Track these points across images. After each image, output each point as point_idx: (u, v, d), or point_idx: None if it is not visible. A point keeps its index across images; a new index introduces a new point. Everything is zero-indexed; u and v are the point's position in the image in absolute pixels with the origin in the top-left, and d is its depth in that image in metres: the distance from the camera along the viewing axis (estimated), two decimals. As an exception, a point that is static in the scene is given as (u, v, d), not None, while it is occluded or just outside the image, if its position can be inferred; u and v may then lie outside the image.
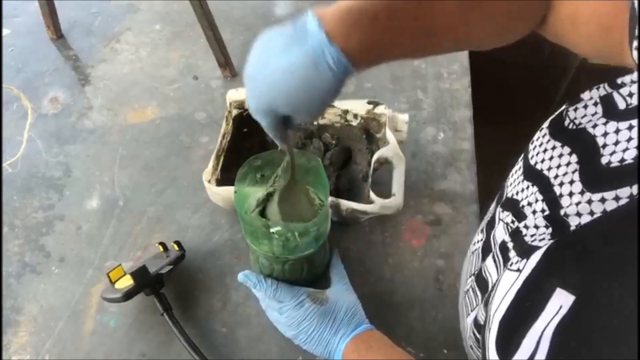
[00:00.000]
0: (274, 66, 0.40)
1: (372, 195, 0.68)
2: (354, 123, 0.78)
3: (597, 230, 0.31)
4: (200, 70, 0.98)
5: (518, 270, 0.36)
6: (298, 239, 0.58)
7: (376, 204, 0.67)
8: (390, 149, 0.72)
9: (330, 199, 0.66)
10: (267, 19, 1.08)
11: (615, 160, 0.32)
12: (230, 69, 0.96)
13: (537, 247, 0.35)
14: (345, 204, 0.67)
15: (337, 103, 0.77)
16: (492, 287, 0.43)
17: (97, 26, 1.07)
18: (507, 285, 0.37)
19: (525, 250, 0.37)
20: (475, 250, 0.53)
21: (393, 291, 0.69)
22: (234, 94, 0.78)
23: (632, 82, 0.34)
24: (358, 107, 0.76)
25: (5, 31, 1.06)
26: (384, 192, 0.69)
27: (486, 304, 0.46)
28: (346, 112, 0.77)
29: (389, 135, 0.73)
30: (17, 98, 0.94)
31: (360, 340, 0.55)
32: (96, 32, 1.06)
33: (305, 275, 0.64)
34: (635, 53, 0.33)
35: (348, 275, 0.67)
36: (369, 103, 0.75)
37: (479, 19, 0.41)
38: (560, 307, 0.30)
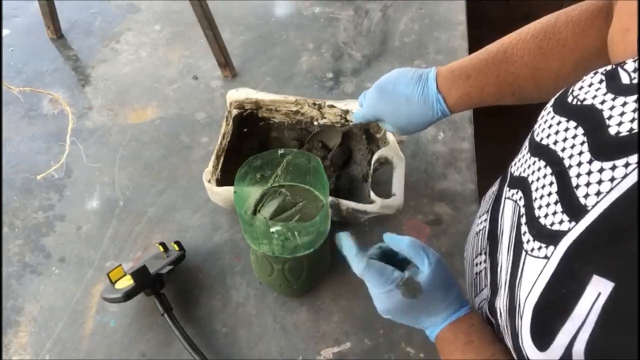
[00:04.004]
0: (400, 90, 0.60)
1: (373, 195, 0.68)
2: None
3: (619, 215, 0.32)
4: (200, 70, 0.98)
5: (545, 257, 0.37)
6: (298, 239, 0.58)
7: (376, 204, 0.67)
8: (390, 149, 0.72)
9: (331, 198, 0.66)
10: (267, 19, 1.08)
11: (624, 130, 0.33)
12: (230, 69, 0.96)
13: (561, 233, 0.36)
14: (346, 203, 0.67)
15: (337, 103, 0.77)
16: (507, 271, 0.43)
17: (97, 26, 1.07)
18: (536, 272, 0.38)
19: (546, 235, 0.38)
20: (481, 230, 0.54)
21: (393, 291, 0.69)
22: (235, 94, 0.78)
23: (635, 60, 0.36)
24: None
25: (5, 31, 1.06)
26: (385, 192, 0.69)
27: (494, 289, 0.47)
28: (346, 112, 0.77)
29: (389, 135, 0.73)
30: (54, 100, 0.94)
31: (460, 330, 0.49)
32: (96, 32, 1.06)
33: (305, 275, 0.64)
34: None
35: (350, 273, 0.67)
36: None
37: (547, 74, 0.54)
38: (599, 294, 0.31)
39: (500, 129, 1.18)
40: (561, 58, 0.52)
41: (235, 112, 0.79)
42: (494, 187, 0.55)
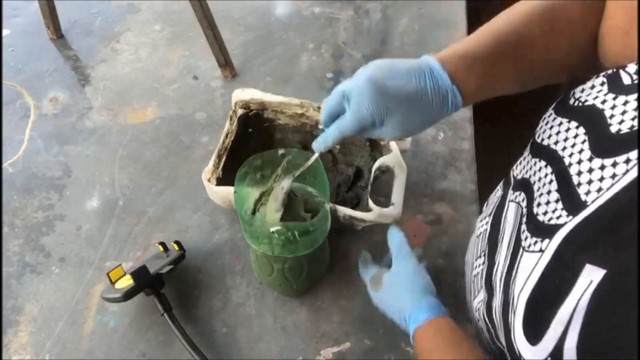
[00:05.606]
0: (400, 85, 0.44)
1: (371, 203, 0.67)
2: None
3: (617, 207, 0.32)
4: (200, 70, 0.98)
5: (540, 250, 0.37)
6: (298, 239, 0.58)
7: (374, 213, 0.65)
8: (392, 158, 0.70)
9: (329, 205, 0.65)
10: (267, 19, 1.08)
11: (625, 128, 0.33)
12: (230, 69, 0.96)
13: (558, 226, 0.36)
14: (342, 210, 0.66)
15: None
16: (503, 271, 0.43)
17: (97, 26, 1.07)
18: (530, 266, 0.38)
19: (543, 230, 0.38)
20: (481, 234, 0.54)
21: (393, 291, 0.69)
22: (240, 94, 0.78)
23: (636, 62, 0.36)
24: None
25: (5, 31, 1.06)
26: (384, 200, 0.69)
27: (490, 290, 0.47)
28: None
29: (392, 143, 0.72)
30: (20, 95, 0.94)
31: (426, 334, 0.52)
32: (96, 32, 1.06)
33: (305, 274, 0.64)
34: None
35: (349, 273, 0.67)
36: None
37: (564, 46, 0.46)
38: (591, 281, 0.32)
39: (500, 129, 1.18)
40: (570, 38, 0.46)
41: (240, 112, 0.78)
42: (498, 192, 0.55)
